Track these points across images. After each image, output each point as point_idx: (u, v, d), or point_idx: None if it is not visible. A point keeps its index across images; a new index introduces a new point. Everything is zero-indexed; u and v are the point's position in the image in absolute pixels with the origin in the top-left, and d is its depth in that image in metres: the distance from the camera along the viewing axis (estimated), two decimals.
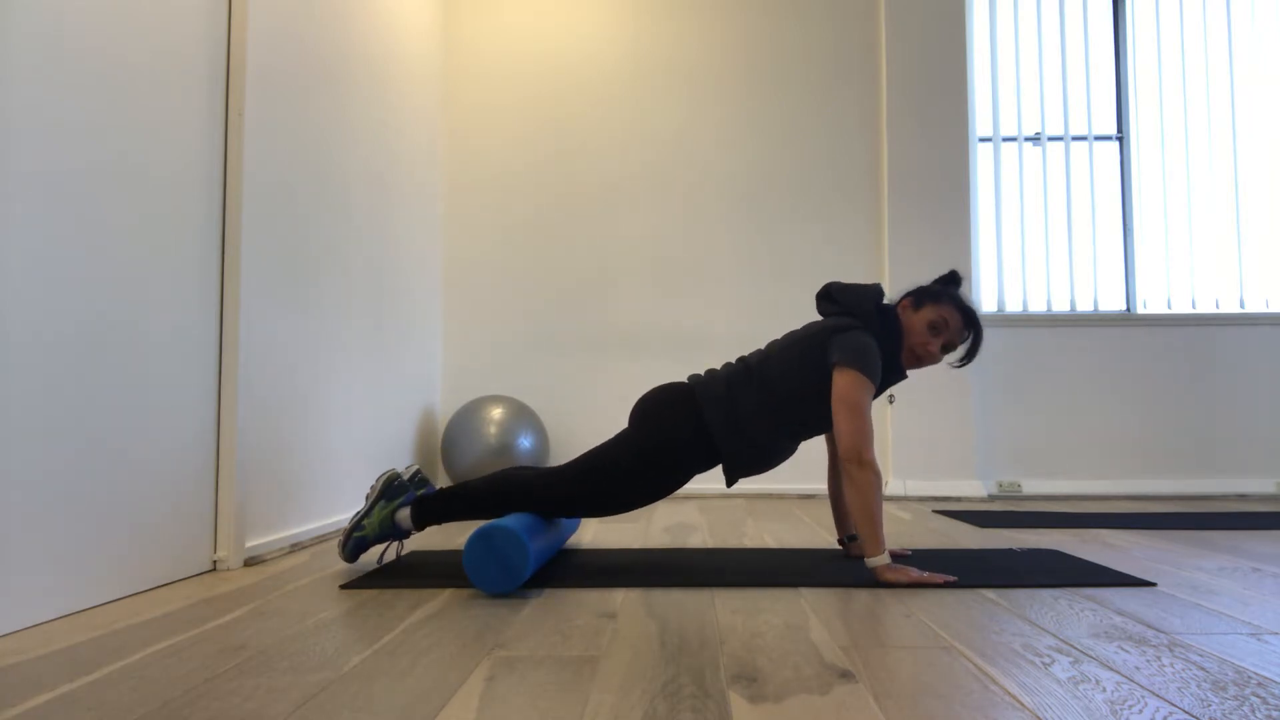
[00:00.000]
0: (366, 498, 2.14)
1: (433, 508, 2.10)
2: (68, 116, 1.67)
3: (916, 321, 2.14)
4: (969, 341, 2.17)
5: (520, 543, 1.82)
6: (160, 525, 1.94)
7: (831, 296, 2.20)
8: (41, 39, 1.61)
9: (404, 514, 2.10)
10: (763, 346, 2.22)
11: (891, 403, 2.38)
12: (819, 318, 2.27)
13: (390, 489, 2.13)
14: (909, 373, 2.24)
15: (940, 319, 2.12)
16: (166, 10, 1.99)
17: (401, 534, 2.12)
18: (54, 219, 1.63)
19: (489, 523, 1.85)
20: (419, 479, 2.19)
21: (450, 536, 2.76)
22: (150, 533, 1.90)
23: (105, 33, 1.78)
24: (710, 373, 2.15)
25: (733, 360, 2.20)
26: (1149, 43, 4.45)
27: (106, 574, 1.76)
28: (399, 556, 2.26)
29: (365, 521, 2.10)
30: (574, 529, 2.43)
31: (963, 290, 2.21)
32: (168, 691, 1.20)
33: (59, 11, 1.65)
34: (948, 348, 2.16)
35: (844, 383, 2.01)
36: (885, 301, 2.19)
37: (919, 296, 2.16)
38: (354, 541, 2.09)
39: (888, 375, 2.15)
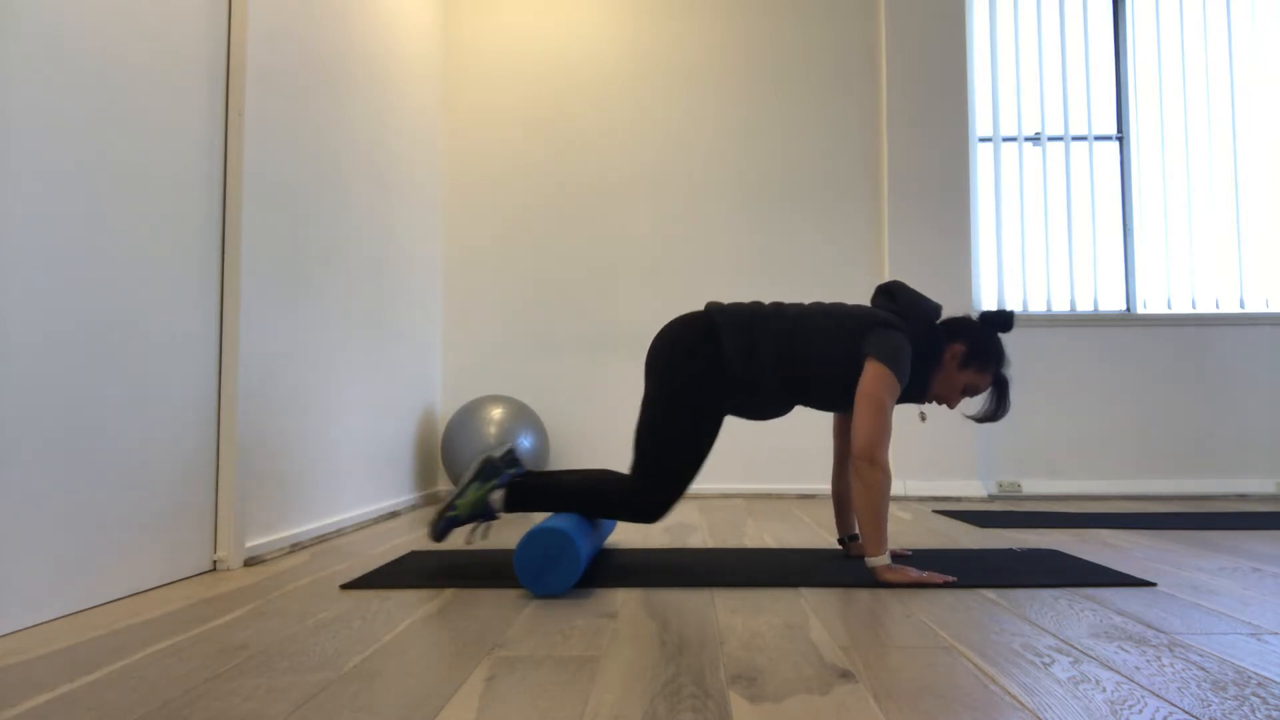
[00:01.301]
0: (460, 480, 2.13)
1: (526, 497, 2.09)
2: (68, 116, 1.67)
3: (957, 378, 2.15)
4: (992, 406, 2.18)
5: (575, 554, 1.83)
6: (160, 525, 1.94)
7: (892, 294, 2.19)
8: (41, 39, 1.61)
9: (498, 496, 2.09)
10: (805, 302, 2.19)
11: (923, 420, 2.40)
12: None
13: (486, 470, 2.11)
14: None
15: (976, 388, 2.17)
16: (166, 10, 1.99)
17: (491, 515, 2.11)
18: (54, 219, 1.63)
19: (551, 525, 1.86)
20: (510, 458, 2.18)
21: (451, 537, 2.76)
22: (150, 533, 1.90)
23: (105, 33, 1.78)
24: (735, 305, 2.14)
25: (764, 301, 2.20)
26: (1149, 43, 4.45)
27: (106, 574, 1.76)
28: (484, 535, 2.25)
29: (459, 502, 2.09)
30: (610, 531, 2.42)
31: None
32: (168, 691, 1.20)
33: (59, 11, 1.65)
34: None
35: (873, 377, 2.00)
36: (940, 321, 2.18)
37: (972, 355, 2.14)
38: (445, 521, 2.08)
39: (908, 389, 2.15)
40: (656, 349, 2.13)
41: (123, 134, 1.83)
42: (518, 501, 2.09)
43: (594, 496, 2.06)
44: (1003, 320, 2.15)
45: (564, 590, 1.84)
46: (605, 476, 2.10)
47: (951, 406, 2.21)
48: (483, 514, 2.10)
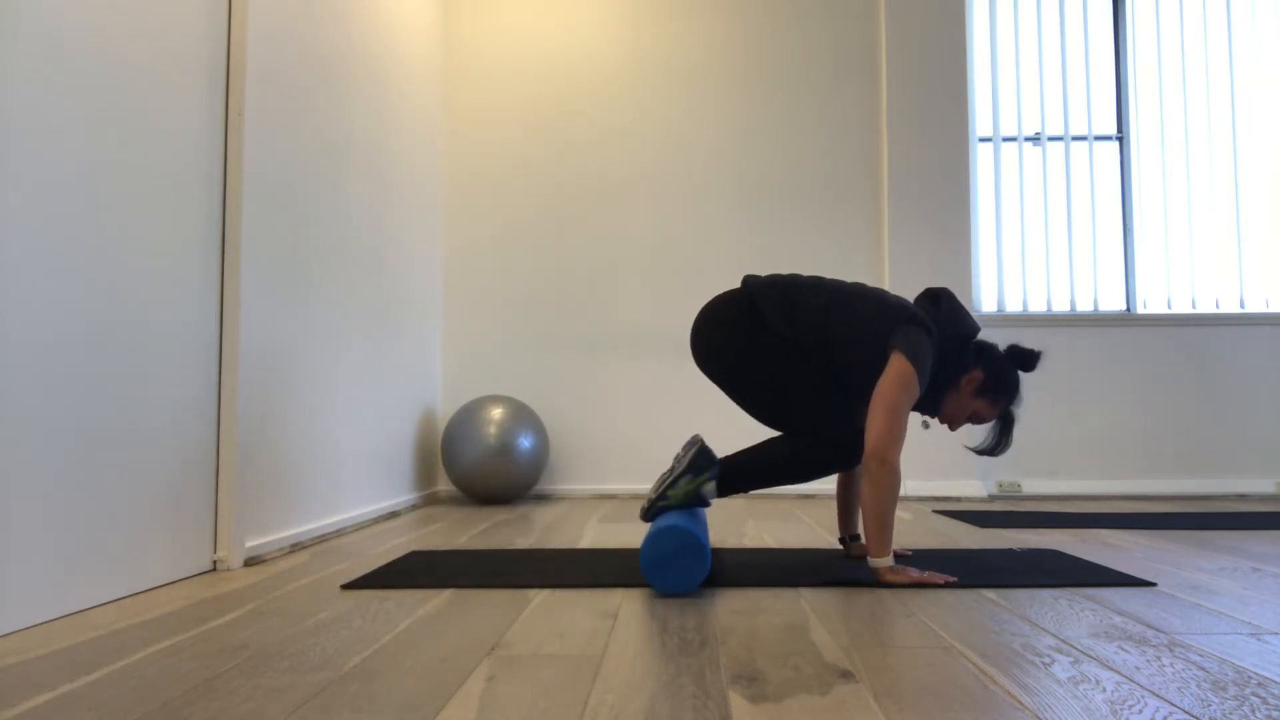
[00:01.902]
0: (673, 469, 2.14)
1: (733, 484, 2.14)
2: (68, 117, 1.67)
3: (968, 403, 2.16)
4: (993, 440, 2.20)
5: (704, 556, 1.85)
6: (160, 525, 1.94)
7: (936, 301, 2.18)
8: (42, 39, 1.61)
9: (710, 487, 2.12)
10: (847, 281, 2.21)
11: (926, 428, 2.40)
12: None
13: (697, 464, 2.12)
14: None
15: (982, 418, 2.18)
16: (166, 10, 1.99)
17: (703, 504, 2.15)
18: (54, 219, 1.63)
19: (687, 525, 1.87)
20: (705, 446, 2.21)
21: (450, 537, 2.76)
22: (150, 533, 1.90)
23: (105, 33, 1.78)
24: (773, 275, 2.18)
25: (802, 273, 2.21)
26: (1149, 43, 4.45)
27: (106, 574, 1.76)
28: None
29: (671, 493, 2.11)
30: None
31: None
32: (168, 691, 1.20)
33: (59, 12, 1.65)
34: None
35: (894, 375, 1.99)
36: (974, 342, 2.18)
37: (988, 385, 2.14)
38: (657, 509, 2.12)
39: (921, 399, 2.15)
40: (699, 334, 2.16)
41: (123, 134, 1.83)
42: (726, 489, 2.15)
43: (794, 464, 2.11)
44: (1027, 359, 2.15)
45: (694, 588, 1.86)
46: (795, 443, 2.12)
47: (952, 429, 2.21)
48: (695, 503, 2.15)
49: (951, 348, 2.12)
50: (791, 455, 2.11)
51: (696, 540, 1.85)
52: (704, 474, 2.11)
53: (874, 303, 2.10)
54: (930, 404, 2.17)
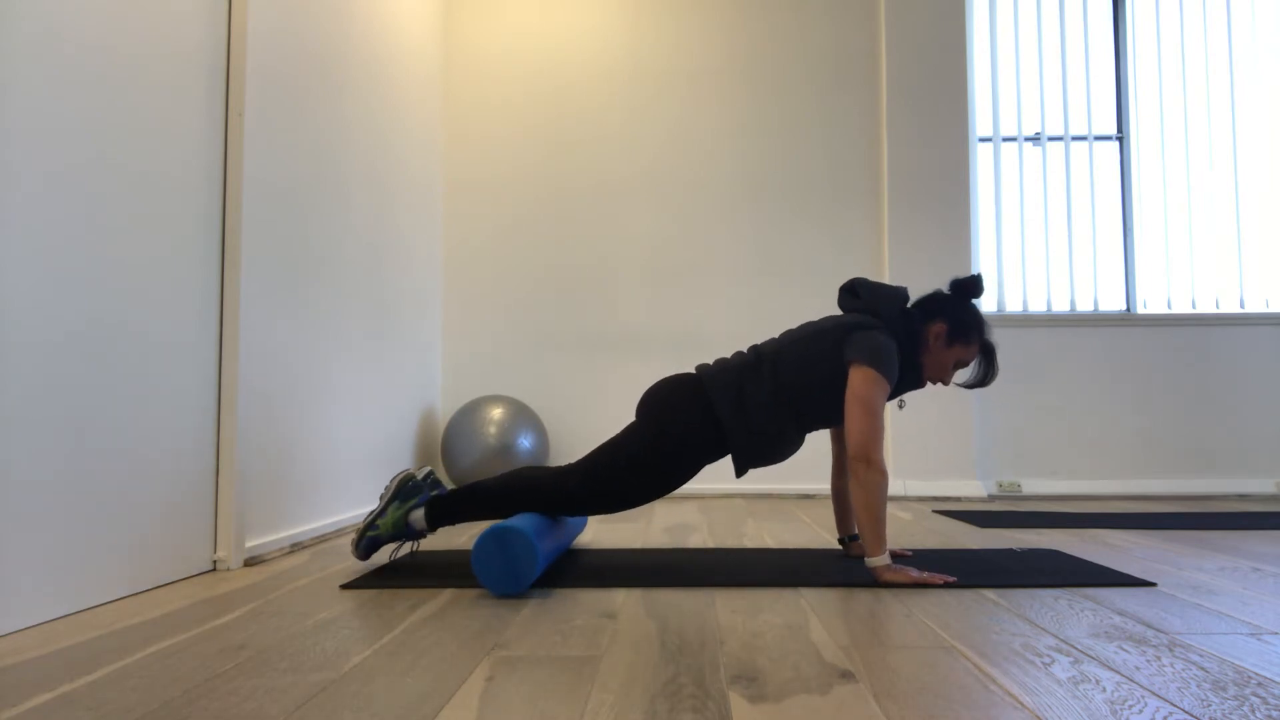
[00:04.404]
0: (381, 498, 2.15)
1: (446, 508, 2.10)
2: (68, 117, 1.67)
3: (946, 356, 2.14)
4: (981, 372, 2.19)
5: (529, 544, 1.82)
6: (160, 525, 1.94)
7: (855, 292, 2.18)
8: (41, 39, 1.61)
9: (418, 514, 2.11)
10: (776, 335, 2.20)
11: (901, 408, 2.37)
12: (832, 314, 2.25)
13: (404, 490, 2.13)
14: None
15: (966, 361, 2.16)
16: (166, 10, 1.99)
17: (415, 534, 2.13)
18: (54, 220, 1.63)
19: (500, 523, 1.86)
20: (431, 480, 2.20)
21: (451, 537, 2.76)
22: (150, 533, 1.90)
23: (105, 33, 1.78)
24: (720, 362, 2.14)
25: (744, 349, 2.19)
26: (1149, 43, 4.45)
27: (106, 574, 1.76)
28: (413, 554, 2.29)
29: (379, 521, 2.11)
30: (580, 529, 2.43)
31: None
32: (168, 691, 1.20)
33: (59, 12, 1.65)
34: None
35: (859, 381, 2.00)
36: (910, 305, 2.17)
37: (955, 331, 2.12)
38: (367, 540, 2.11)
39: (904, 378, 2.15)
40: (652, 396, 2.12)
41: (123, 134, 1.83)
42: (440, 516, 2.11)
43: (517, 497, 2.07)
44: (973, 286, 2.13)
45: (526, 587, 1.83)
46: (527, 475, 2.10)
47: (946, 384, 2.20)
48: (405, 533, 2.12)
49: (899, 325, 2.11)
50: (529, 497, 2.06)
51: (507, 531, 1.82)
52: (410, 501, 2.10)
53: (810, 339, 2.09)
54: (913, 378, 2.16)
